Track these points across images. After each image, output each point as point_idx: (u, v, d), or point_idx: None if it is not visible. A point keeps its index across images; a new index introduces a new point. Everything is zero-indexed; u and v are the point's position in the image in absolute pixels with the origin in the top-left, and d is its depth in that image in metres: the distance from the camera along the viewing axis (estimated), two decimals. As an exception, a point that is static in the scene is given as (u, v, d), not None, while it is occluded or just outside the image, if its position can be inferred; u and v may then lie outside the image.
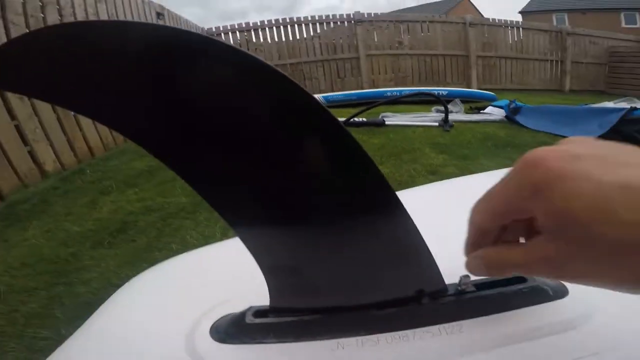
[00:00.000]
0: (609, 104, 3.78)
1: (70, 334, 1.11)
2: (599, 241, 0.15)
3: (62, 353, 0.36)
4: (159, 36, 0.20)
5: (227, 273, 0.42)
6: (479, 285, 0.30)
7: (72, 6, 3.00)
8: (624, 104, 3.52)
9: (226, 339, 0.30)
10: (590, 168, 0.15)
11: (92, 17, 3.27)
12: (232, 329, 0.30)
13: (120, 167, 2.68)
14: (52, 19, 2.79)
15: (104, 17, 3.44)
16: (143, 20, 4.23)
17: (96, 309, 1.19)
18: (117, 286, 1.21)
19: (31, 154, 2.40)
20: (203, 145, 0.24)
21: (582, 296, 0.30)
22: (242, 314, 0.31)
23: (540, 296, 0.29)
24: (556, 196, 0.16)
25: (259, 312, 0.31)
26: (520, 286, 0.30)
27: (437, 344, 0.28)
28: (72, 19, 3.02)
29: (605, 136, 2.73)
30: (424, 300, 0.29)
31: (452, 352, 0.27)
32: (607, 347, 0.27)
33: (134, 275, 1.35)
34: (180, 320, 0.33)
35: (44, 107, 2.59)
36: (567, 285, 0.31)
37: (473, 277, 0.29)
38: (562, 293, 0.30)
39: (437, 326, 0.29)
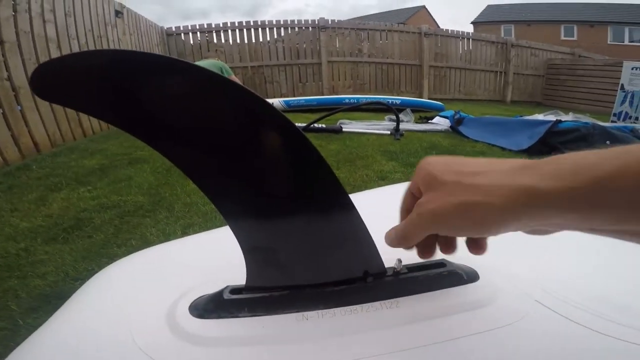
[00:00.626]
0: (539, 116, 4.06)
1: (29, 324, 1.12)
2: (445, 184, 0.25)
3: (36, 339, 0.36)
4: (144, 62, 0.27)
5: (197, 262, 0.45)
6: (410, 268, 0.36)
7: (28, 1, 2.85)
8: (552, 117, 3.81)
9: (204, 315, 0.33)
10: (440, 159, 0.27)
11: (47, 13, 3.11)
12: (211, 305, 0.34)
13: (69, 164, 2.57)
14: (6, 14, 2.65)
15: (60, 12, 3.27)
16: (100, 16, 4.06)
17: (55, 301, 1.21)
18: (76, 279, 1.22)
19: (-29, 147, 2.26)
20: (196, 148, 0.30)
21: (489, 281, 0.36)
22: (220, 292, 0.35)
23: (456, 279, 0.36)
24: (425, 168, 0.27)
25: (235, 290, 0.35)
26: (441, 270, 0.36)
27: (379, 316, 0.33)
28: (26, 15, 2.86)
29: (535, 146, 2.96)
30: (369, 280, 0.35)
31: (391, 323, 0.32)
32: (510, 323, 0.32)
33: (94, 269, 1.36)
34: (158, 303, 0.36)
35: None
36: (478, 271, 0.37)
37: (405, 262, 0.36)
38: (474, 278, 0.36)
39: (379, 302, 0.34)
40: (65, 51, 3.36)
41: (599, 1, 18.81)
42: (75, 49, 3.51)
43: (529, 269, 0.39)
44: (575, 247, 0.44)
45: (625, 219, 0.19)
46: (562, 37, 17.82)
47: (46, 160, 2.65)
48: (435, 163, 0.27)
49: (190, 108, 0.28)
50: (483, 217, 0.23)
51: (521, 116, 4.27)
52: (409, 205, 0.29)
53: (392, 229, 0.29)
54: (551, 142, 2.98)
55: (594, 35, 17.55)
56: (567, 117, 3.85)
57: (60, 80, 0.27)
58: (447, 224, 0.25)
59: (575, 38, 17.73)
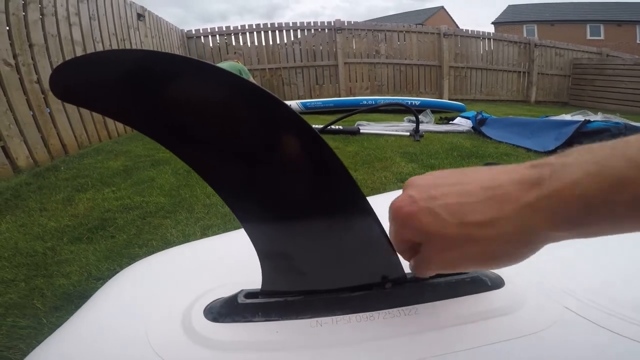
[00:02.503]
0: (567, 117, 3.91)
1: (52, 323, 1.14)
2: (453, 239, 0.24)
3: (57, 337, 0.37)
4: (174, 63, 0.26)
5: (214, 265, 0.45)
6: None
7: (54, 5, 2.97)
8: (580, 117, 3.67)
9: (219, 318, 0.33)
10: (427, 205, 0.25)
11: (73, 16, 3.23)
12: (225, 309, 0.34)
13: (95, 165, 2.66)
14: (34, 17, 2.76)
15: (85, 16, 3.40)
16: (123, 19, 4.18)
17: (77, 300, 1.23)
18: (98, 279, 1.25)
19: (4, 149, 2.37)
20: (213, 151, 0.30)
21: (515, 288, 0.35)
22: (235, 296, 0.34)
23: (480, 286, 0.34)
24: (418, 224, 0.25)
25: (250, 294, 0.34)
26: (463, 276, 0.35)
27: (397, 324, 0.32)
28: (53, 18, 2.98)
29: (562, 148, 2.85)
30: (387, 286, 0.34)
31: (409, 330, 0.31)
32: (538, 330, 0.31)
33: (115, 269, 1.39)
34: (175, 305, 0.36)
35: (20, 104, 2.55)
36: (504, 277, 0.36)
37: None
38: (499, 284, 0.35)
39: (397, 308, 0.33)
40: (91, 55, 3.49)
41: (626, 0, 18.24)
42: (101, 52, 3.64)
43: (557, 274, 0.38)
44: (604, 251, 0.42)
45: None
46: (589, 37, 17.55)
47: (73, 161, 2.75)
48: (421, 218, 0.24)
49: (207, 111, 0.28)
50: (503, 262, 0.24)
51: (547, 116, 4.13)
52: (402, 248, 0.28)
53: (413, 264, 0.29)
54: (580, 143, 2.85)
55: (622, 35, 17.17)
56: (597, 117, 3.70)
57: (79, 80, 0.27)
58: (463, 269, 0.27)
59: (602, 37, 17.42)
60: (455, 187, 0.25)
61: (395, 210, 0.26)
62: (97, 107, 0.29)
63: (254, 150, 0.29)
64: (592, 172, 0.19)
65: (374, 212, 0.31)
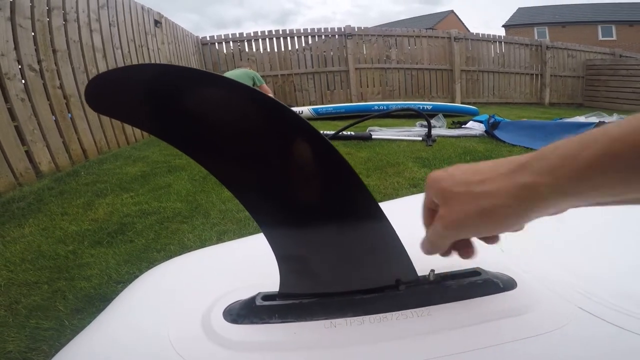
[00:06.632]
0: (581, 119, 3.87)
1: (74, 325, 1.16)
2: (459, 195, 0.27)
3: (84, 337, 0.39)
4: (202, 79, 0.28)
5: (231, 268, 0.47)
6: (444, 277, 0.36)
7: (76, 11, 3.07)
8: (594, 119, 3.64)
9: (238, 320, 0.34)
10: (444, 173, 0.29)
11: (94, 22, 3.33)
12: (244, 311, 0.35)
13: (114, 171, 2.73)
14: (57, 23, 2.86)
15: (105, 22, 3.49)
16: (141, 26, 4.29)
17: (98, 303, 1.25)
18: (118, 282, 1.29)
19: (28, 154, 2.45)
20: (231, 159, 0.31)
21: (527, 289, 0.35)
22: (252, 298, 0.36)
23: (492, 287, 0.35)
24: (435, 184, 0.29)
25: (267, 297, 0.35)
26: (475, 278, 0.35)
27: (410, 325, 0.32)
28: (75, 24, 3.07)
29: None
30: (401, 288, 0.35)
31: (422, 331, 0.32)
32: (551, 330, 0.31)
33: (134, 272, 1.42)
34: (195, 307, 0.37)
35: (43, 109, 2.64)
36: (516, 279, 0.36)
37: (438, 271, 0.36)
38: (511, 285, 0.35)
39: (410, 310, 0.34)
40: (110, 60, 3.58)
41: (636, 0, 17.87)
42: (119, 58, 3.74)
43: (569, 274, 0.38)
44: (616, 249, 0.43)
45: (619, 193, 0.22)
46: (600, 38, 17.38)
47: (93, 166, 2.83)
48: (442, 178, 0.29)
49: (225, 121, 0.29)
50: (500, 216, 0.26)
51: (561, 119, 4.08)
52: (429, 220, 0.31)
53: (424, 239, 0.31)
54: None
55: (634, 35, 16.88)
56: (611, 119, 3.65)
57: (109, 92, 0.29)
58: (470, 229, 0.28)
59: (614, 38, 17.21)
60: (479, 164, 0.29)
61: (428, 177, 0.30)
62: (125, 119, 0.31)
63: (270, 158, 0.31)
64: (572, 138, 0.23)
65: (386, 217, 0.32)
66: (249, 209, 0.33)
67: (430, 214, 0.31)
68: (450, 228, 0.28)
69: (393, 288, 0.35)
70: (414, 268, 0.35)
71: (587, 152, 0.21)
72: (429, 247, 0.31)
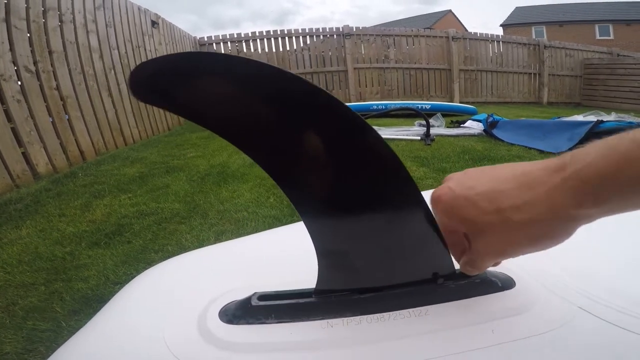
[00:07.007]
0: (579, 117, 3.88)
1: (71, 326, 1.15)
2: (494, 226, 0.26)
3: (79, 338, 0.38)
4: (238, 68, 0.27)
5: (228, 268, 0.46)
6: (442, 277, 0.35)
7: (72, 12, 3.06)
8: (592, 117, 3.64)
9: (233, 320, 0.34)
10: (457, 196, 0.27)
11: (90, 23, 3.32)
12: (239, 311, 0.34)
13: (112, 172, 2.72)
14: (53, 24, 2.85)
15: (101, 23, 3.49)
16: (138, 27, 4.28)
17: (95, 304, 1.24)
18: (116, 283, 1.28)
19: (25, 155, 2.44)
20: (281, 151, 0.31)
21: (526, 288, 0.35)
22: (248, 298, 0.35)
23: (490, 287, 0.35)
24: (454, 213, 0.27)
25: (263, 296, 0.35)
26: (472, 278, 0.35)
27: (407, 325, 0.33)
28: (71, 25, 3.06)
29: (575, 149, 2.82)
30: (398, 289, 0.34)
31: (419, 331, 0.32)
32: (550, 330, 0.31)
33: (132, 273, 1.41)
34: (191, 307, 0.37)
35: (40, 111, 2.64)
36: (514, 278, 0.36)
37: None
38: (509, 285, 0.35)
39: (407, 310, 0.34)
40: (107, 60, 3.57)
41: None
42: (116, 59, 3.74)
43: (569, 274, 0.38)
44: (615, 248, 0.42)
45: None
46: (598, 37, 17.48)
47: (91, 168, 2.83)
48: (461, 205, 0.27)
49: (278, 113, 0.29)
50: (549, 242, 0.25)
51: (559, 118, 4.09)
52: (451, 240, 0.31)
53: (464, 264, 0.31)
54: (593, 143, 2.85)
55: (631, 34, 17.01)
56: (609, 117, 3.66)
57: (156, 81, 0.27)
58: (515, 255, 0.27)
59: (611, 37, 17.33)
60: (488, 177, 0.27)
61: (434, 200, 0.28)
62: (169, 107, 0.30)
63: (316, 148, 0.30)
64: (604, 153, 0.22)
65: (428, 207, 0.31)
66: (293, 200, 0.32)
67: (450, 235, 0.30)
68: (496, 258, 0.28)
69: (391, 288, 0.34)
70: (452, 260, 0.34)
71: (628, 171, 0.21)
72: (474, 272, 0.30)
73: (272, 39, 6.73)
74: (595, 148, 0.23)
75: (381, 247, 0.33)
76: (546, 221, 0.24)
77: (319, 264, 0.34)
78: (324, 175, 0.31)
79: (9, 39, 2.40)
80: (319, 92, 0.27)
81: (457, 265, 0.34)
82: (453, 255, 0.32)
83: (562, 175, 0.23)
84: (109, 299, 0.48)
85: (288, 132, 0.29)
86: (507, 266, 0.38)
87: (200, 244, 1.54)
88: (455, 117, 4.89)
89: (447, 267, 0.34)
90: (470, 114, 5.01)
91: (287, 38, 6.77)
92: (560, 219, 0.24)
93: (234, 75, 0.27)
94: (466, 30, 18.54)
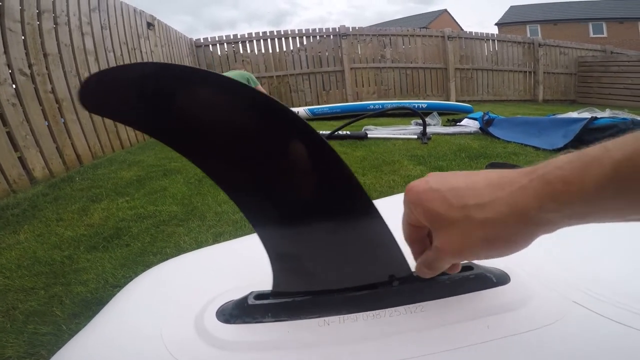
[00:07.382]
0: (574, 114, 3.92)
1: (72, 329, 1.15)
2: (456, 222, 0.25)
3: (79, 339, 0.39)
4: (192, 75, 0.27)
5: (226, 269, 0.47)
6: None
7: (67, 15, 3.05)
8: (586, 114, 3.68)
9: (230, 320, 0.34)
10: (429, 190, 0.27)
11: (85, 26, 3.31)
12: (236, 311, 0.35)
13: (109, 175, 2.71)
14: (48, 26, 2.84)
15: (96, 25, 3.47)
16: (134, 29, 4.26)
17: (95, 307, 1.24)
18: (115, 286, 1.28)
19: (21, 160, 2.43)
20: (226, 158, 0.31)
21: (521, 283, 0.35)
22: (245, 298, 0.35)
23: (485, 282, 0.35)
24: (422, 205, 0.27)
25: (259, 296, 0.35)
26: (468, 273, 0.35)
27: (403, 321, 0.32)
28: (66, 28, 3.05)
29: (570, 145, 2.82)
30: (394, 284, 0.34)
31: (416, 327, 0.32)
32: (545, 324, 0.31)
33: (131, 276, 1.41)
34: (188, 308, 0.37)
35: (35, 114, 2.62)
36: (509, 274, 0.36)
37: None
38: (504, 280, 0.35)
39: (403, 306, 0.33)
40: (102, 63, 3.56)
41: None
42: (112, 61, 3.72)
43: (564, 269, 0.38)
44: (611, 243, 0.43)
45: (627, 214, 0.21)
46: (591, 35, 17.68)
47: (88, 172, 2.82)
48: (430, 197, 0.27)
49: (220, 119, 0.29)
50: (506, 243, 0.25)
51: (554, 115, 4.11)
52: (413, 236, 0.30)
53: (420, 264, 0.30)
54: (587, 139, 2.85)
55: (624, 32, 17.19)
56: (604, 114, 3.69)
57: (105, 92, 0.28)
58: (472, 257, 0.27)
59: (605, 35, 17.53)
60: (468, 177, 0.27)
61: (407, 190, 0.28)
62: (119, 118, 0.30)
63: (264, 157, 0.30)
64: (572, 158, 0.22)
65: (379, 213, 0.32)
66: (242, 208, 0.33)
67: (414, 230, 0.30)
68: (452, 257, 0.27)
69: (386, 284, 0.35)
70: (407, 264, 0.34)
71: (591, 177, 0.20)
72: (428, 273, 0.30)
73: (269, 39, 6.72)
74: (567, 155, 0.22)
75: (332, 251, 0.34)
76: (506, 222, 0.24)
77: (272, 267, 0.34)
78: (271, 182, 0.31)
79: (3, 41, 2.40)
80: (261, 98, 0.28)
81: (413, 268, 0.34)
82: (413, 255, 0.32)
83: (530, 177, 0.23)
84: (109, 301, 0.48)
85: (233, 140, 0.30)
86: (502, 262, 0.37)
87: (198, 245, 1.54)
88: (451, 116, 4.90)
89: (403, 270, 0.34)
90: (466, 113, 5.03)
91: (283, 39, 6.76)
92: (520, 221, 0.23)
93: (177, 84, 0.28)
94: (461, 29, 18.62)
